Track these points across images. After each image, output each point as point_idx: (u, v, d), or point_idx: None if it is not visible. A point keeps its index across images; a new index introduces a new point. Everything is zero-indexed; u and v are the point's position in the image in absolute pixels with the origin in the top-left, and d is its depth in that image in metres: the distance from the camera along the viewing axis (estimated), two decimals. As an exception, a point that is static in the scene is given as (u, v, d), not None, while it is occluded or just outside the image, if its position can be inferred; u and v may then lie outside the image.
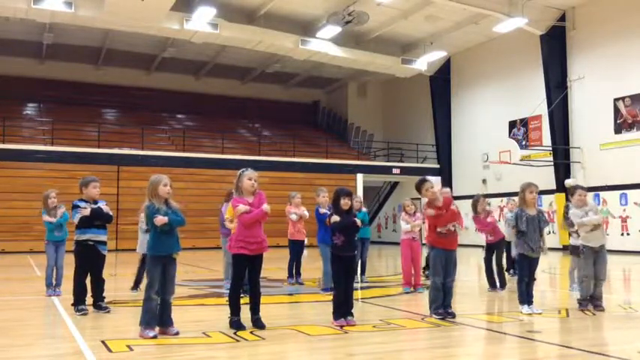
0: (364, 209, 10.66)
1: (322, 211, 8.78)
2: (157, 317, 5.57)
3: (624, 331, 6.14)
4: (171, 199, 5.81)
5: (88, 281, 7.08)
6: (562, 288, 10.07)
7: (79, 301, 6.91)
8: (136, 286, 8.87)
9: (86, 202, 7.04)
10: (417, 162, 28.73)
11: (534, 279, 7.06)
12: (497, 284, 9.25)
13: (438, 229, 6.57)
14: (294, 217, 10.00)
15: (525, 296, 6.89)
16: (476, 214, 9.57)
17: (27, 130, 24.84)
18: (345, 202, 6.29)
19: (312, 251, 10.54)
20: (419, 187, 6.69)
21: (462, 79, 27.63)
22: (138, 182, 18.66)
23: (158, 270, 5.63)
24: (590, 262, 7.16)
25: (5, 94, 26.28)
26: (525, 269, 6.94)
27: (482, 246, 9.85)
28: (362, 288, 9.73)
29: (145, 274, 6.33)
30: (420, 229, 9.50)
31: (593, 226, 7.15)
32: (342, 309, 6.15)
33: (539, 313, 6.76)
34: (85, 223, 6.97)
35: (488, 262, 9.43)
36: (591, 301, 7.10)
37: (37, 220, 8.81)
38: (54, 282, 8.52)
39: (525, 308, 6.82)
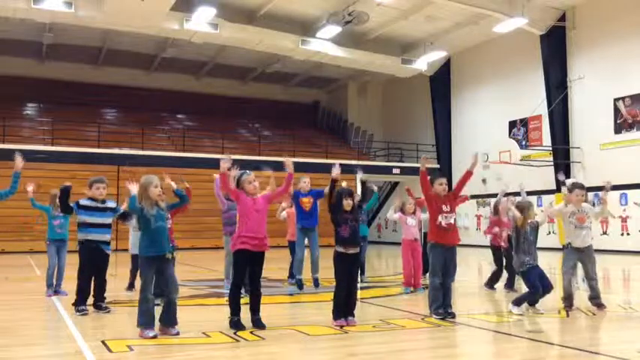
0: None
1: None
2: (154, 318, 5.56)
3: (624, 331, 6.14)
4: (163, 200, 5.82)
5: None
6: (562, 288, 10.06)
7: (80, 301, 6.92)
8: (130, 286, 8.86)
9: (93, 200, 7.08)
10: (417, 162, 28.71)
11: (551, 287, 6.97)
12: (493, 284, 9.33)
13: (438, 220, 6.54)
14: (283, 214, 10.17)
15: (522, 301, 6.88)
16: (496, 215, 9.49)
17: (27, 130, 24.84)
18: (347, 203, 6.22)
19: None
20: (432, 181, 6.76)
21: (461, 79, 27.62)
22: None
23: (151, 271, 5.60)
24: (571, 261, 7.17)
25: (5, 94, 26.26)
26: (534, 280, 6.90)
27: (488, 246, 9.83)
28: (362, 288, 9.73)
29: (138, 275, 6.37)
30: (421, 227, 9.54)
31: (577, 223, 7.12)
32: (343, 309, 6.11)
33: (541, 313, 6.76)
34: (88, 224, 7.01)
35: (504, 262, 9.47)
36: (591, 300, 7.11)
37: (38, 219, 8.82)
38: (54, 282, 8.52)
39: (516, 309, 6.79)
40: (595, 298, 7.10)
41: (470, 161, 6.81)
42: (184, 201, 6.22)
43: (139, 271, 5.76)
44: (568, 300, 7.11)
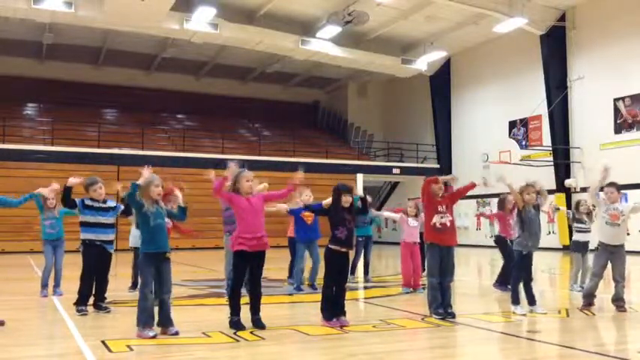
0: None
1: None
2: (154, 316, 5.56)
3: (624, 331, 6.14)
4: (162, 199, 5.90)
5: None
6: (562, 288, 10.08)
7: (82, 301, 6.91)
8: (134, 285, 8.85)
9: (95, 200, 7.08)
10: (417, 162, 28.71)
11: (531, 279, 7.03)
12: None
13: (433, 221, 6.54)
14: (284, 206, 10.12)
15: (518, 296, 6.88)
16: (502, 209, 9.34)
17: (27, 130, 24.84)
18: (346, 200, 6.14)
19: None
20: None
21: (462, 79, 27.62)
22: (138, 182, 18.62)
23: (151, 269, 5.61)
24: (602, 260, 7.07)
25: (5, 94, 26.27)
26: (522, 268, 6.95)
27: (488, 246, 9.83)
28: (362, 288, 9.73)
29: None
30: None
31: (609, 220, 7.01)
32: (333, 308, 6.07)
33: (544, 313, 6.76)
34: (91, 223, 7.01)
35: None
36: (613, 301, 7.01)
37: (37, 220, 8.80)
38: (50, 283, 8.50)
39: (519, 309, 6.79)
40: (617, 300, 6.98)
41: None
42: (181, 216, 6.10)
43: (139, 269, 5.78)
44: (587, 299, 7.05)
